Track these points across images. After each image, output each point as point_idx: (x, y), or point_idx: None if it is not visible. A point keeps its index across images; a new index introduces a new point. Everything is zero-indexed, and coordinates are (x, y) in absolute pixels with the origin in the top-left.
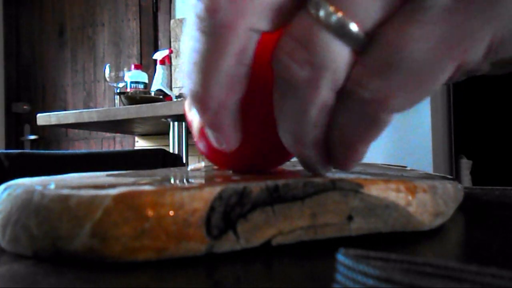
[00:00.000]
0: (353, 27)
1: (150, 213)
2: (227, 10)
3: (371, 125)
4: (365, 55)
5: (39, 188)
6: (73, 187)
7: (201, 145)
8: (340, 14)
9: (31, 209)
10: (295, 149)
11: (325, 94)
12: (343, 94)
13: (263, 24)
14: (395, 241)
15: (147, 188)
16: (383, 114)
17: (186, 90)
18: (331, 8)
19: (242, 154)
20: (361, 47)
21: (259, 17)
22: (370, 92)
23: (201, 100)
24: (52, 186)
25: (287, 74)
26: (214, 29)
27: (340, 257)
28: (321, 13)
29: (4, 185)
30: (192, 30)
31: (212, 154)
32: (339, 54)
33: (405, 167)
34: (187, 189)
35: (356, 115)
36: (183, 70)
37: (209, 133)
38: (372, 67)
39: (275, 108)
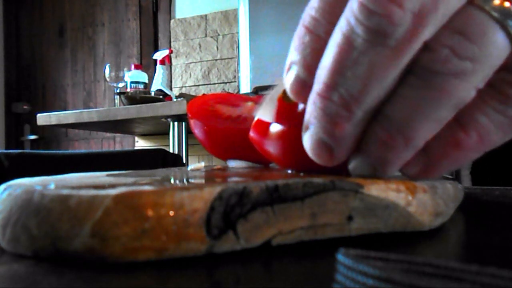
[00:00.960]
0: None
1: (150, 213)
2: (410, 24)
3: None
4: None
5: (39, 188)
6: (73, 187)
7: (271, 148)
8: (507, 4)
9: (31, 209)
10: (401, 145)
11: (471, 91)
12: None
13: (433, 33)
14: (395, 241)
15: (147, 188)
16: None
17: (320, 104)
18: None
19: None
20: None
21: (434, 29)
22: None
23: (349, 109)
24: (52, 186)
25: (443, 67)
26: (391, 42)
27: (340, 257)
28: (485, 3)
29: (4, 185)
30: (353, 43)
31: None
32: (502, 48)
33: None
34: (187, 189)
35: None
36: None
37: (318, 144)
38: None
39: (392, 101)
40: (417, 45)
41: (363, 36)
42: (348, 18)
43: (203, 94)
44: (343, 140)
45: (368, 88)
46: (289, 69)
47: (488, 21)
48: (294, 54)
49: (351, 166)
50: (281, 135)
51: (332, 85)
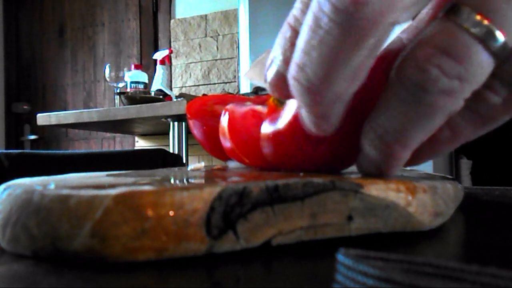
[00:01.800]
0: (499, 35)
1: (150, 213)
2: (377, 4)
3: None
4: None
5: (39, 188)
6: (73, 187)
7: (265, 149)
8: (486, 22)
9: (31, 209)
10: (397, 153)
11: (460, 103)
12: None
13: (404, 18)
14: (395, 241)
15: (147, 188)
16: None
17: (294, 85)
18: (478, 17)
19: (318, 154)
20: (502, 57)
21: (404, 10)
22: (498, 99)
23: (318, 92)
24: (52, 186)
25: (430, 84)
26: (356, 22)
27: (340, 257)
28: (467, 22)
29: (4, 185)
30: (320, 23)
31: (279, 155)
32: (487, 65)
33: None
34: (187, 189)
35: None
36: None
37: (310, 119)
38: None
39: (387, 114)
40: (383, 27)
41: (330, 15)
42: None
43: (203, 95)
44: (323, 118)
45: (333, 69)
46: (271, 63)
47: (471, 40)
48: (276, 49)
49: (357, 165)
50: (272, 137)
51: (300, 66)
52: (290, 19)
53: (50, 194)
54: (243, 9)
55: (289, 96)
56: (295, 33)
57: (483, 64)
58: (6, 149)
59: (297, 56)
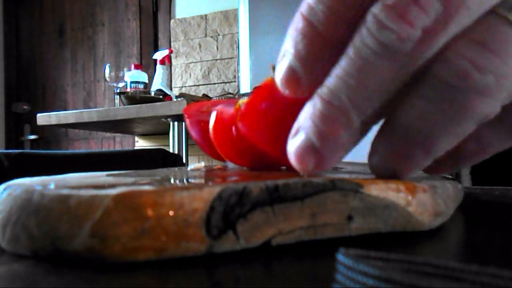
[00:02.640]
0: None
1: (150, 213)
2: (418, 40)
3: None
4: None
5: (39, 188)
6: (73, 187)
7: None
8: None
9: (30, 209)
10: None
11: (496, 106)
12: None
13: (443, 44)
14: (395, 241)
15: (147, 188)
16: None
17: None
18: None
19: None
20: None
21: (444, 41)
22: None
23: (350, 117)
24: (52, 186)
25: (462, 81)
26: (399, 56)
27: (340, 257)
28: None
29: (4, 185)
30: (361, 54)
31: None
32: None
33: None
34: (187, 189)
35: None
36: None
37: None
38: None
39: (411, 113)
40: (423, 59)
41: (373, 48)
42: (362, 28)
43: (203, 95)
44: (334, 147)
45: (371, 99)
46: (282, 56)
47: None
48: (288, 42)
49: (369, 165)
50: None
51: (336, 91)
52: (303, 9)
53: (50, 194)
54: (243, 9)
55: (300, 94)
56: (309, 25)
57: None
58: (6, 149)
59: (333, 82)
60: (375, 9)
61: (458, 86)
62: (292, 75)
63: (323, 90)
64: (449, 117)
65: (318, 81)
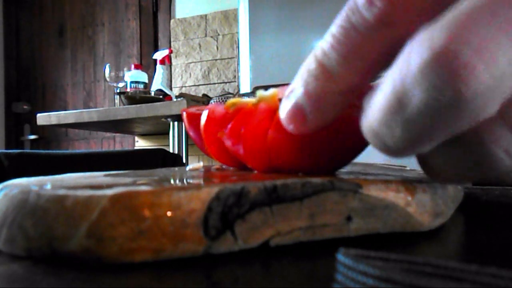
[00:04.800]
0: None
1: (147, 213)
2: (482, 99)
3: None
4: None
5: (35, 188)
6: (69, 188)
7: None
8: None
9: (27, 210)
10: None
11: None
12: None
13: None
14: (394, 242)
15: (144, 188)
16: None
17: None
18: None
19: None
20: None
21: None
22: None
23: (395, 151)
24: (49, 187)
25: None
26: (457, 116)
27: (340, 257)
28: None
29: (1, 185)
30: (411, 106)
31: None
32: None
33: (405, 167)
34: (185, 189)
35: None
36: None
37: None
38: None
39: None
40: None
41: (423, 102)
42: (405, 76)
43: (203, 95)
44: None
45: (416, 142)
46: (290, 92)
47: None
48: (297, 81)
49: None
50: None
51: (378, 134)
52: (318, 52)
53: (46, 195)
54: (243, 9)
55: (303, 131)
56: (321, 67)
57: None
58: (6, 149)
59: (377, 126)
60: (421, 53)
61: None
62: (298, 111)
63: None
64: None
65: (324, 123)
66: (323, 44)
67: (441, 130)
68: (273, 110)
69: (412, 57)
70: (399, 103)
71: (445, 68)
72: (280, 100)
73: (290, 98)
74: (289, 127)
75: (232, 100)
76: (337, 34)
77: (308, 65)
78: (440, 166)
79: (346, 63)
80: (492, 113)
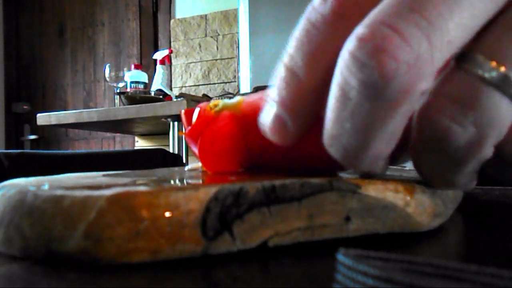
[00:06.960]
0: None
1: (144, 214)
2: (405, 76)
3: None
4: None
5: (32, 188)
6: (67, 188)
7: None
8: (502, 69)
9: (24, 210)
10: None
11: (489, 149)
12: None
13: (430, 85)
14: (393, 242)
15: (142, 188)
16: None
17: (332, 152)
18: (493, 64)
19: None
20: None
21: (430, 79)
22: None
23: (357, 158)
24: (46, 187)
25: (446, 135)
26: (386, 96)
27: (340, 257)
28: (481, 71)
29: None
30: (348, 95)
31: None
32: (506, 111)
33: (405, 167)
34: (183, 189)
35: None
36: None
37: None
38: None
39: (414, 160)
40: (414, 96)
41: (357, 89)
42: (342, 69)
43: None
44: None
45: (368, 137)
46: (268, 105)
47: (484, 86)
48: (274, 91)
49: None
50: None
51: (335, 136)
52: (285, 59)
53: (43, 195)
54: (243, 9)
55: (289, 141)
56: (290, 72)
57: (501, 110)
58: (6, 149)
59: (330, 127)
60: (350, 45)
61: (447, 140)
62: (279, 123)
63: (324, 136)
64: (450, 163)
65: (307, 127)
66: (288, 49)
67: (385, 119)
68: (234, 117)
69: (345, 47)
70: (343, 94)
71: (367, 50)
72: (246, 107)
73: (270, 110)
74: (274, 139)
75: (214, 102)
76: (299, 36)
77: (279, 73)
78: (427, 173)
79: (311, 62)
80: (422, 92)
